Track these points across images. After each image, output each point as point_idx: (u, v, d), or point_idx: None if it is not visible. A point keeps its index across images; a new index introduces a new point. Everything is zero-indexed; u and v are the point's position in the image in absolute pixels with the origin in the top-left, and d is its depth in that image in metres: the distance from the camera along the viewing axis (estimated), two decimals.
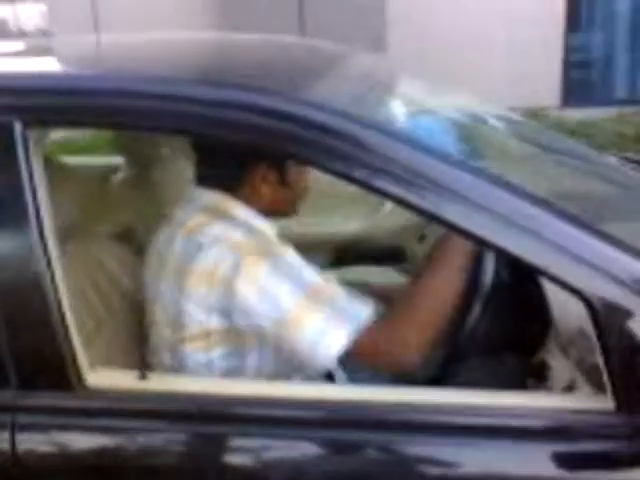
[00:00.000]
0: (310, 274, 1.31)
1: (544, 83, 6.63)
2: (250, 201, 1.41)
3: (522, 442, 1.17)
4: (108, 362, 1.37)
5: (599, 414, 1.15)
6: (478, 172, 1.20)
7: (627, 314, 1.12)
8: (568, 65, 6.76)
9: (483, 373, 1.47)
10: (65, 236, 1.41)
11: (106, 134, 2.06)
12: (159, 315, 1.38)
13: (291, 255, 1.32)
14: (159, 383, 1.17)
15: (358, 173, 1.15)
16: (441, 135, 1.63)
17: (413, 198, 1.15)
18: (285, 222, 1.60)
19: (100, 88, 1.22)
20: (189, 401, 1.16)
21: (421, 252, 2.08)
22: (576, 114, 6.38)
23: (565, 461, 1.15)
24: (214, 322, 1.32)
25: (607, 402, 1.14)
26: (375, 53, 6.42)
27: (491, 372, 1.47)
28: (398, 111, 1.65)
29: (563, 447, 1.16)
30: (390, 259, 2.25)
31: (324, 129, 1.15)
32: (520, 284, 1.47)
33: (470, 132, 1.89)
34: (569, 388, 1.28)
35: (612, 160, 2.04)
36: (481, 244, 1.26)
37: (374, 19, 6.64)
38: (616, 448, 1.13)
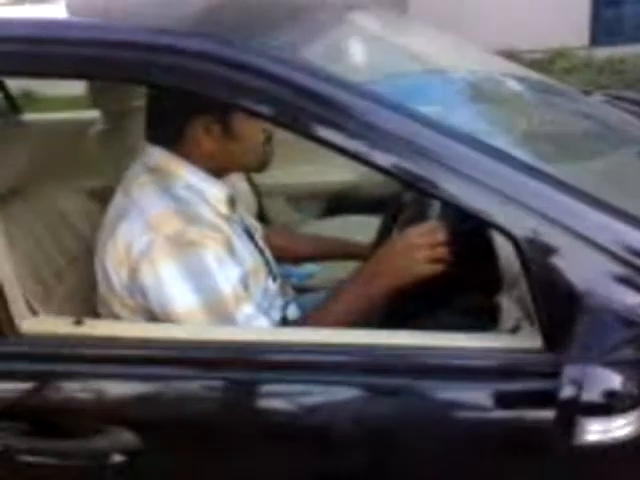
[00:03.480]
0: (223, 279, 1.28)
1: (573, 21, 6.41)
2: (196, 158, 1.38)
3: (465, 381, 1.16)
4: (69, 310, 1.41)
5: (530, 353, 1.14)
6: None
7: (552, 250, 1.10)
8: (597, 2, 6.50)
9: (441, 316, 1.47)
10: (19, 190, 1.45)
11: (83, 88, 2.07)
12: (97, 269, 1.40)
13: (210, 252, 1.28)
14: (92, 328, 1.19)
15: (302, 124, 1.13)
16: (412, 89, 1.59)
17: (363, 151, 1.12)
18: (278, 171, 1.58)
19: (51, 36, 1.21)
20: (120, 345, 1.18)
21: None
22: (605, 52, 6.18)
23: (502, 400, 1.15)
24: (125, 295, 1.33)
25: (537, 341, 1.13)
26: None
27: (447, 315, 1.46)
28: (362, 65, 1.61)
29: (501, 386, 1.15)
30: (380, 210, 2.23)
31: (269, 77, 1.11)
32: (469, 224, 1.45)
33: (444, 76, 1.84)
34: (516, 328, 1.27)
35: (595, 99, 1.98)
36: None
37: None
38: (544, 386, 1.12)
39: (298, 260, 1.93)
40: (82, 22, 1.27)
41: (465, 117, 1.52)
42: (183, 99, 1.32)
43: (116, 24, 1.27)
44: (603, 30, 6.57)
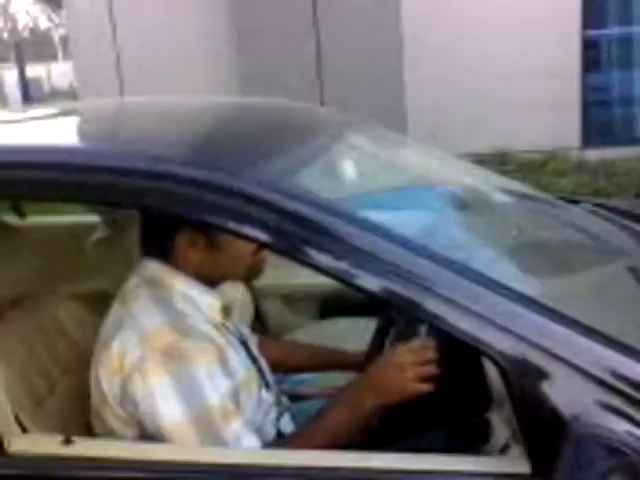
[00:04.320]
0: (213, 395, 1.29)
1: (564, 124, 6.59)
2: (187, 270, 1.41)
3: None
4: (60, 423, 1.41)
5: (519, 478, 1.13)
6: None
7: (537, 376, 1.11)
8: (587, 105, 6.70)
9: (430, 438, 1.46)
10: (16, 298, 1.47)
11: None
12: (92, 379, 1.41)
13: (204, 363, 1.30)
14: (83, 448, 1.19)
15: (288, 247, 1.18)
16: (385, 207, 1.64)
17: (333, 267, 1.17)
18: (275, 271, 1.59)
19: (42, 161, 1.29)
20: (110, 467, 1.18)
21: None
22: (596, 154, 6.33)
23: None
24: (116, 407, 1.34)
25: (525, 466, 1.13)
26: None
27: (436, 437, 1.46)
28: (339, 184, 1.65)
29: None
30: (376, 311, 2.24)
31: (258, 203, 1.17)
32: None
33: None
34: (505, 448, 1.27)
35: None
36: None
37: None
38: None
39: (292, 371, 1.94)
40: (84, 148, 1.33)
41: (450, 234, 1.56)
42: (170, 216, 1.36)
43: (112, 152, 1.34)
44: (594, 132, 6.74)
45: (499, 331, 1.12)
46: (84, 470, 1.17)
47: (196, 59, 7.11)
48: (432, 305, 1.14)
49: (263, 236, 1.19)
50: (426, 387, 1.33)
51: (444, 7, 6.63)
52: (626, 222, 1.98)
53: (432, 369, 1.34)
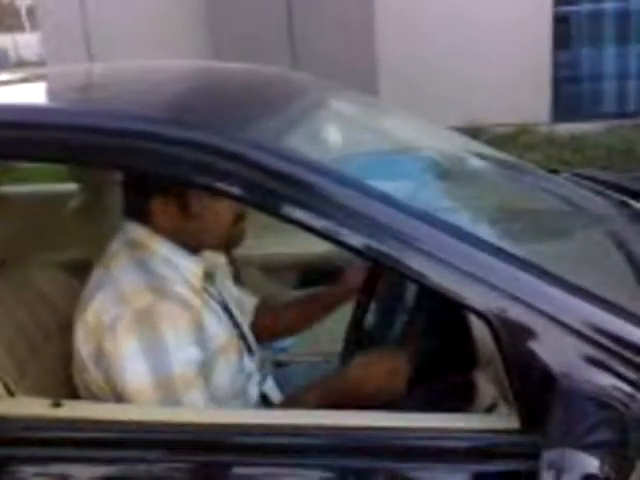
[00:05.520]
0: (178, 360, 1.29)
1: (535, 98, 6.64)
2: (164, 233, 1.40)
3: (442, 463, 1.17)
4: (44, 390, 1.39)
5: (507, 434, 1.15)
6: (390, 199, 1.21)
7: (526, 332, 1.13)
8: (558, 81, 6.76)
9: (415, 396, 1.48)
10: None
11: None
12: (73, 342, 1.40)
13: (172, 329, 1.29)
14: (71, 411, 1.18)
15: (271, 204, 1.17)
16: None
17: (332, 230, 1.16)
18: (254, 241, 1.59)
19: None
20: (99, 429, 1.17)
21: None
22: (566, 128, 6.40)
23: None
24: (93, 368, 1.33)
25: (514, 422, 1.14)
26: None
27: (421, 394, 1.47)
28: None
29: (479, 467, 1.16)
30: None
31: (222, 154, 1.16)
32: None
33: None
34: (492, 408, 1.29)
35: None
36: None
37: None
38: (521, 467, 1.13)
39: (290, 331, 1.92)
40: (66, 108, 1.31)
41: (434, 195, 1.56)
42: (146, 177, 1.36)
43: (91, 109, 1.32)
44: (564, 107, 6.80)
45: (488, 289, 1.13)
46: (73, 432, 1.16)
47: (167, 28, 6.99)
48: (417, 262, 1.14)
49: (247, 194, 1.18)
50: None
51: None
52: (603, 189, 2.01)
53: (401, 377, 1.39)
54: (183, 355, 1.30)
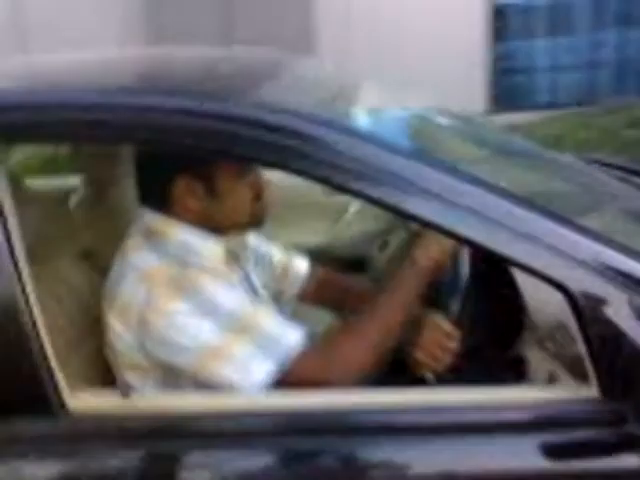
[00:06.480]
0: (234, 302, 1.27)
1: (474, 89, 6.79)
2: (186, 217, 1.36)
3: (510, 437, 1.18)
4: (84, 383, 1.34)
5: (584, 403, 1.17)
6: (445, 168, 1.22)
7: (605, 303, 1.14)
8: (494, 72, 6.93)
9: (465, 369, 1.48)
10: (31, 257, 1.38)
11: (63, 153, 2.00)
12: (105, 336, 1.36)
13: (212, 284, 1.27)
14: (144, 401, 1.14)
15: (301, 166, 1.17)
16: (398, 132, 1.64)
17: (375, 194, 1.16)
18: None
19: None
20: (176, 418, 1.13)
21: (383, 260, 2.08)
22: (502, 118, 6.57)
23: (554, 452, 1.16)
24: (137, 357, 1.29)
25: (591, 391, 1.16)
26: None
27: (472, 368, 1.47)
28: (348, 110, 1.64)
29: (551, 438, 1.16)
30: (353, 269, 2.25)
31: (265, 126, 1.15)
32: (494, 279, 1.49)
33: (430, 130, 1.92)
34: (550, 380, 1.30)
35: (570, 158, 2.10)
36: (456, 239, 1.27)
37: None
38: (603, 435, 1.15)
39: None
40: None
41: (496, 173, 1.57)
42: (164, 160, 1.33)
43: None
44: (500, 98, 6.98)
45: (572, 263, 1.14)
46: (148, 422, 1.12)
47: (102, 22, 6.79)
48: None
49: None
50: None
51: None
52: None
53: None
54: (236, 297, 1.28)
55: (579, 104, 6.67)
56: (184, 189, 1.33)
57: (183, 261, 1.31)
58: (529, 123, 6.52)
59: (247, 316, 1.26)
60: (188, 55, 1.76)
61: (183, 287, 1.25)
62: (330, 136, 1.17)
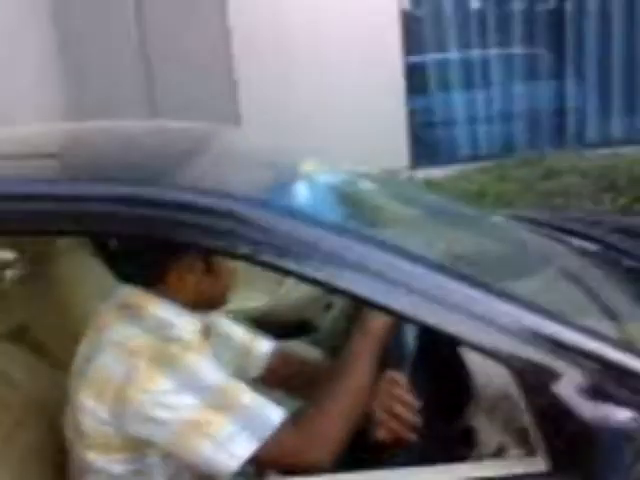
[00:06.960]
0: (215, 377, 1.27)
1: (395, 145, 6.93)
2: (174, 294, 1.36)
3: None
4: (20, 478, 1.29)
5: (533, 477, 1.19)
6: (374, 242, 1.26)
7: (550, 376, 1.18)
8: (414, 127, 7.09)
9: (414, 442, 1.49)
10: None
11: None
12: (67, 417, 1.33)
13: (194, 359, 1.28)
14: None
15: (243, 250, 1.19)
16: (325, 205, 1.67)
17: (309, 272, 1.19)
18: None
19: None
20: None
21: (328, 322, 2.10)
22: (424, 173, 6.73)
23: None
24: (107, 434, 1.27)
25: (539, 464, 1.18)
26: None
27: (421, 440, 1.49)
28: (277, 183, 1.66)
29: None
30: (298, 332, 2.25)
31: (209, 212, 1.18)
32: (439, 348, 1.51)
33: (353, 198, 1.96)
34: (499, 451, 1.33)
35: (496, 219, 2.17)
36: (389, 314, 1.30)
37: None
38: None
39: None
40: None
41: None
42: (162, 244, 1.32)
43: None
44: (421, 153, 7.14)
45: (510, 337, 1.18)
46: None
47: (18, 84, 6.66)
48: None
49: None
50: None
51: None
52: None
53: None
54: (217, 370, 1.28)
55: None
56: (184, 269, 1.34)
57: (165, 335, 1.31)
58: (449, 178, 6.70)
59: (229, 391, 1.26)
60: (113, 133, 1.74)
61: (166, 363, 1.25)
62: (259, 214, 1.20)
